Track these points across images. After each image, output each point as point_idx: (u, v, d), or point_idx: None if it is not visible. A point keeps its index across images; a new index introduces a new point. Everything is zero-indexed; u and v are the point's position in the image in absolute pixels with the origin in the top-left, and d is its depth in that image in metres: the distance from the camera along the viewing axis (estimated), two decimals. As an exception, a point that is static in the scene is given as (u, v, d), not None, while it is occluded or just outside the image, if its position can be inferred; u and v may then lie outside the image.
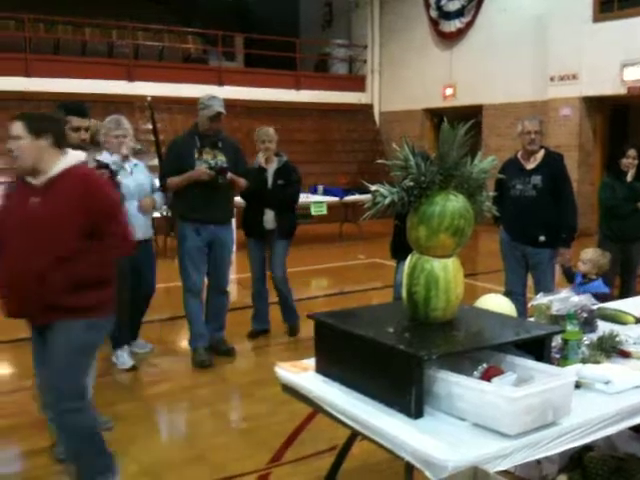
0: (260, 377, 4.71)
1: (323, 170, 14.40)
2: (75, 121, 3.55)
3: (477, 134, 13.73)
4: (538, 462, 3.19)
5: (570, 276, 4.69)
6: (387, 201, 2.37)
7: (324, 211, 10.45)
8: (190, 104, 12.57)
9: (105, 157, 4.45)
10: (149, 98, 12.45)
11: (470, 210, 2.42)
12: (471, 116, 12.90)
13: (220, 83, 14.00)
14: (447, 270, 2.40)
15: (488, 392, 2.00)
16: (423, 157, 2.46)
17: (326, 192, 11.42)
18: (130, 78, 13.37)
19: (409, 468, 2.04)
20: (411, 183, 2.39)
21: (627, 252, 5.68)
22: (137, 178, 4.84)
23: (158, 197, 5.00)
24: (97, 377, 4.41)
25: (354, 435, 2.64)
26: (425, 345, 2.19)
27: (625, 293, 5.41)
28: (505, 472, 3.14)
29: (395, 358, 2.14)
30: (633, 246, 5.69)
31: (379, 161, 2.58)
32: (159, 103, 13.16)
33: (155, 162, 11.03)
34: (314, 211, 10.55)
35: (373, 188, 2.43)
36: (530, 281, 5.17)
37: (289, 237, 5.60)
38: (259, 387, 4.51)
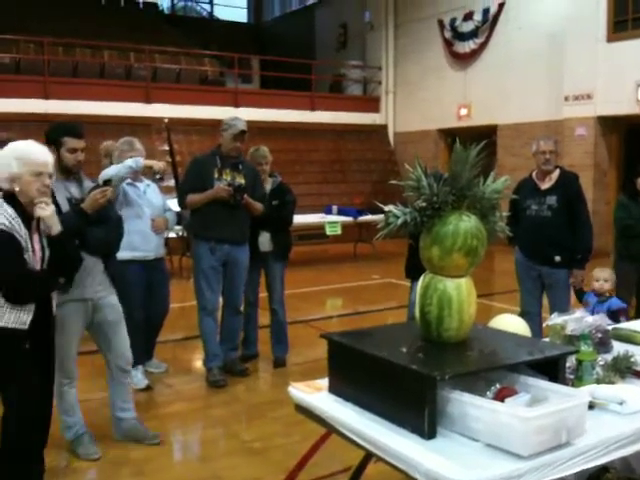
0: (274, 397, 4.71)
1: (338, 190, 14.50)
2: (71, 142, 3.54)
3: (492, 154, 13.75)
4: (554, 484, 3.16)
5: (580, 296, 4.68)
6: (400, 221, 2.38)
7: (338, 231, 10.49)
8: (206, 126, 12.83)
9: (105, 172, 4.30)
10: (166, 120, 12.63)
11: (483, 230, 2.42)
12: (486, 136, 12.97)
13: (236, 104, 14.15)
14: (460, 290, 2.40)
15: (501, 412, 1.99)
16: (437, 177, 2.48)
17: (340, 212, 11.46)
18: (148, 100, 13.57)
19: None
20: (424, 203, 2.39)
21: (643, 272, 5.64)
22: (150, 198, 4.90)
23: (170, 217, 5.06)
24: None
25: (368, 456, 2.62)
26: (438, 365, 2.19)
27: (641, 313, 5.37)
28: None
29: (408, 378, 2.14)
30: (649, 266, 5.64)
31: (392, 181, 2.61)
32: (176, 125, 13.35)
33: (171, 183, 11.15)
34: (329, 231, 10.59)
35: (386, 209, 2.45)
36: (546, 301, 5.15)
37: (285, 259, 5.53)
38: (273, 407, 4.51)
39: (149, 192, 4.94)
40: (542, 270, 4.96)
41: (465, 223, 2.38)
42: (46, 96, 12.44)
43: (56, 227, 3.09)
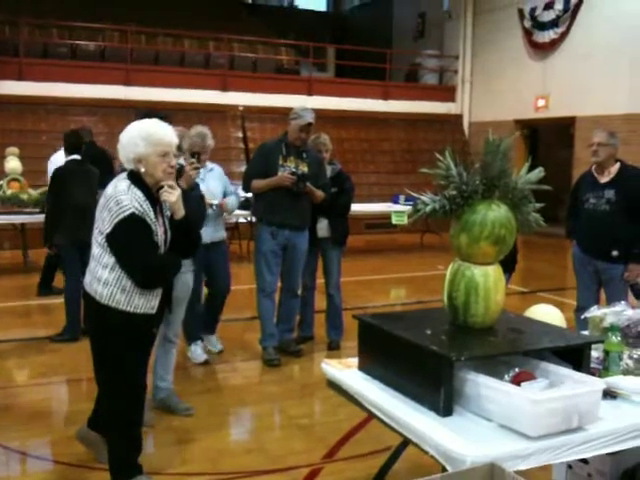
0: (324, 378, 4.85)
1: (408, 180, 14.45)
2: None
3: (569, 147, 13.42)
4: (589, 475, 3.18)
5: (637, 292, 4.59)
6: (428, 209, 2.47)
7: (405, 221, 10.50)
8: (280, 114, 13.03)
9: None
10: (241, 108, 12.96)
11: (512, 220, 2.48)
12: (563, 128, 12.52)
13: (309, 93, 14.33)
14: (487, 277, 2.47)
15: (513, 394, 2.07)
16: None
17: (408, 202, 11.44)
18: (224, 88, 13.91)
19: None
20: (453, 192, 2.48)
21: None
22: (208, 184, 4.99)
23: (231, 201, 5.22)
24: (174, 370, 4.73)
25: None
26: (458, 348, 2.28)
27: None
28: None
29: (428, 358, 2.24)
30: None
31: (422, 170, 2.69)
32: (250, 113, 13.66)
33: (242, 169, 11.47)
34: (395, 220, 10.62)
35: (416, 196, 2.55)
36: (603, 296, 5.08)
37: (343, 245, 5.67)
38: (322, 388, 4.62)
39: (208, 177, 5.05)
40: (599, 265, 4.90)
41: (494, 212, 2.45)
42: (128, 83, 12.94)
43: (181, 212, 3.04)
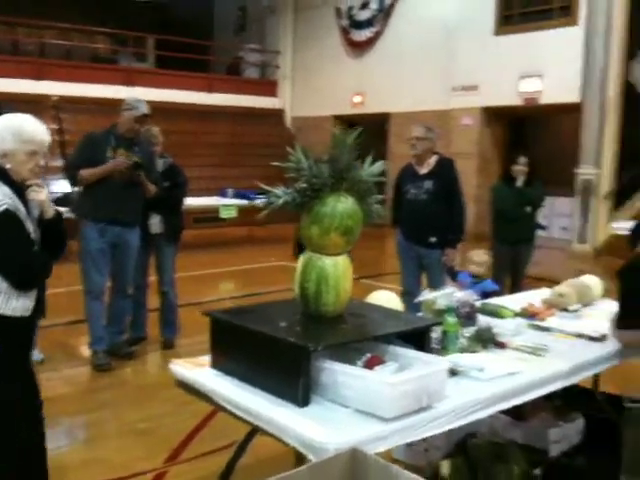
0: (163, 379, 4.66)
1: (235, 174, 14.44)
2: None
3: (384, 141, 14.13)
4: (425, 450, 3.39)
5: (453, 275, 4.96)
6: (280, 201, 2.48)
7: (233, 214, 10.50)
8: (97, 104, 12.45)
9: None
10: (55, 98, 12.17)
11: (359, 211, 2.56)
12: (379, 124, 13.13)
13: (129, 84, 13.79)
14: (337, 267, 2.53)
15: (367, 379, 2.14)
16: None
17: (236, 195, 11.44)
18: (37, 77, 12.97)
19: (299, 457, 2.15)
20: (304, 185, 2.51)
21: (517, 254, 6.04)
22: None
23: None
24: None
25: (254, 430, 2.71)
26: (313, 337, 2.31)
27: (514, 292, 5.74)
28: (395, 460, 3.33)
29: (285, 350, 2.25)
30: (522, 248, 6.05)
31: (274, 163, 2.70)
32: (66, 103, 12.88)
33: (58, 163, 10.78)
34: (223, 214, 10.59)
35: (268, 189, 2.54)
36: (425, 281, 5.40)
37: (176, 241, 5.53)
38: (162, 389, 4.50)
39: None
40: (420, 251, 5.23)
41: (342, 204, 2.51)
42: None
43: (51, 211, 2.88)
